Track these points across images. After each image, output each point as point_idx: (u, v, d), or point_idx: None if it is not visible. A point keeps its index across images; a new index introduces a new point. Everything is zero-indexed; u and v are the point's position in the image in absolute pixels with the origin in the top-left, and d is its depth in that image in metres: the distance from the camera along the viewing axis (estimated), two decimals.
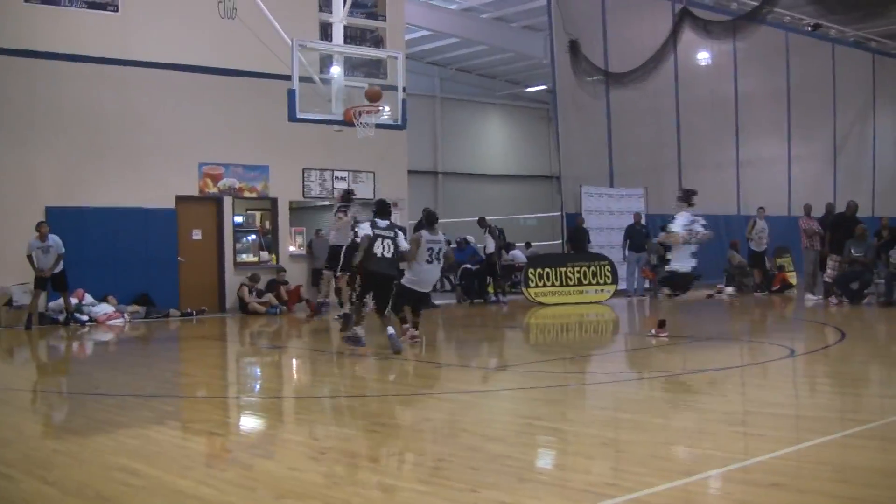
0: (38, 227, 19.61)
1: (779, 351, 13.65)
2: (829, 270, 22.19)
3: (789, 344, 14.48)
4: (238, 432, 8.95)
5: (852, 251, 21.58)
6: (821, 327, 17.63)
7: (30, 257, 19.41)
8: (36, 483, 6.62)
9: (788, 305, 23.56)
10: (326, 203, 26.42)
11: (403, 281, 14.75)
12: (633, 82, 29.08)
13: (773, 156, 34.98)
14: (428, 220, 15.03)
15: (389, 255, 13.98)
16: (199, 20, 22.69)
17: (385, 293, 14.28)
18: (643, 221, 26.46)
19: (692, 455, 7.18)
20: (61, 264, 19.65)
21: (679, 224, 14.87)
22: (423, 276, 14.69)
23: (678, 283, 15.28)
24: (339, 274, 17.99)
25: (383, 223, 14.12)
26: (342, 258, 17.28)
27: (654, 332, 15.25)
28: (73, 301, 20.60)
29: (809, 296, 22.93)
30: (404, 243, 14.41)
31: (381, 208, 14.37)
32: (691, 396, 10.15)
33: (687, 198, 15.33)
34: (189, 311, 22.19)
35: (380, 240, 13.89)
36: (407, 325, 15.08)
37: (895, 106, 41.10)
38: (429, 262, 14.57)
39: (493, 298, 25.65)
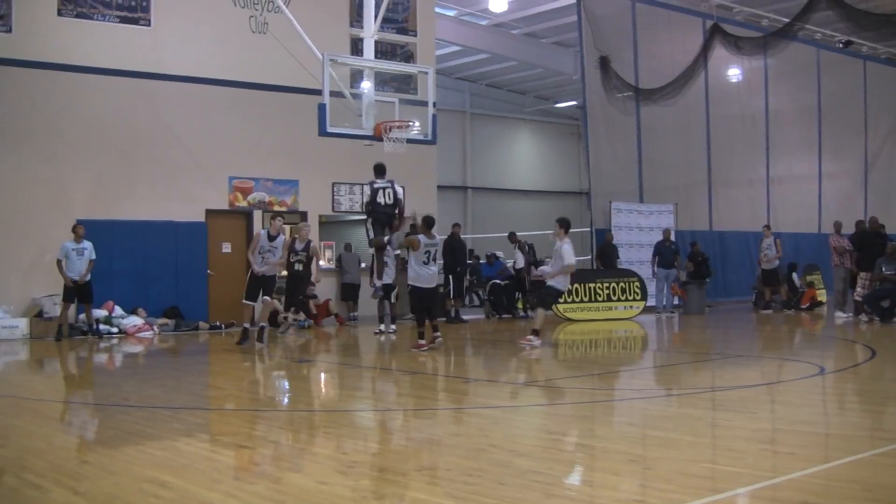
0: (75, 228, 19.78)
1: (808, 368, 13.60)
2: (859, 289, 22.11)
3: (819, 361, 14.42)
4: (266, 445, 8.96)
5: (883, 269, 21.46)
6: (851, 345, 17.54)
7: (59, 263, 19.52)
8: (66, 494, 6.65)
9: (818, 323, 23.44)
10: (356, 217, 26.50)
11: (409, 282, 16.71)
12: (664, 98, 29.09)
13: (803, 173, 34.84)
14: (427, 225, 16.69)
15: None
16: (231, 35, 22.89)
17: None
18: (672, 238, 26.37)
19: (720, 472, 7.15)
20: (90, 274, 19.78)
21: (571, 255, 16.86)
22: (422, 274, 16.41)
23: (552, 299, 18.07)
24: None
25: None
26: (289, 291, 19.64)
27: (529, 339, 17.02)
28: (103, 313, 20.77)
29: (839, 313, 22.83)
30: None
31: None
32: (720, 414, 10.11)
33: (565, 226, 17.22)
34: (218, 324, 22.27)
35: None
36: (423, 342, 16.50)
37: None
38: (426, 262, 16.42)
39: (521, 314, 25.64)
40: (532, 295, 25.85)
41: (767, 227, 27.31)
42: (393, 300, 20.80)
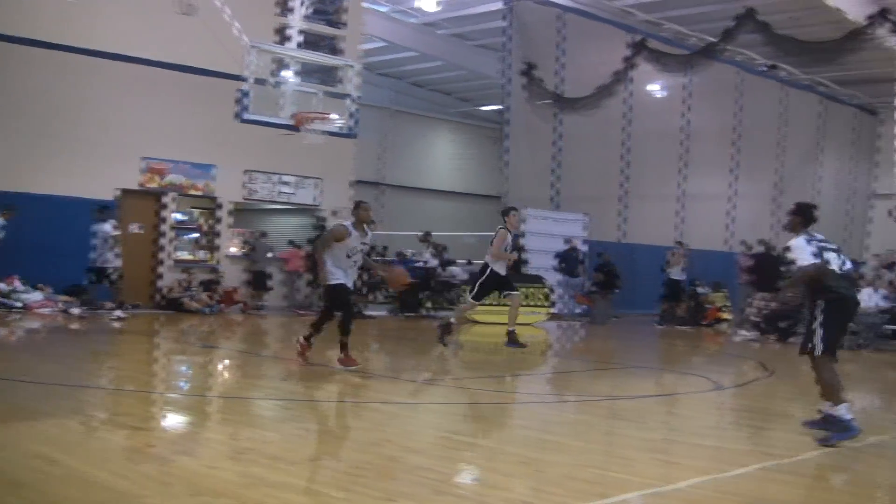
0: None
1: (704, 383, 13.82)
2: (753, 309, 22.50)
3: (715, 377, 14.65)
4: (160, 428, 8.93)
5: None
6: (749, 363, 17.81)
7: None
8: None
9: (719, 339, 23.79)
10: (269, 206, 26.38)
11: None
12: (585, 108, 29.32)
13: (716, 192, 35.32)
14: None
15: None
16: (156, 14, 22.55)
17: None
18: (579, 247, 26.65)
19: (609, 478, 7.26)
20: None
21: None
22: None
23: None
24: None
25: None
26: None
27: None
28: (4, 287, 20.44)
29: (741, 331, 23.16)
30: None
31: None
32: (613, 422, 10.26)
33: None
34: (123, 304, 22.02)
35: None
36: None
37: (840, 151, 41.73)
38: None
39: (428, 313, 25.66)
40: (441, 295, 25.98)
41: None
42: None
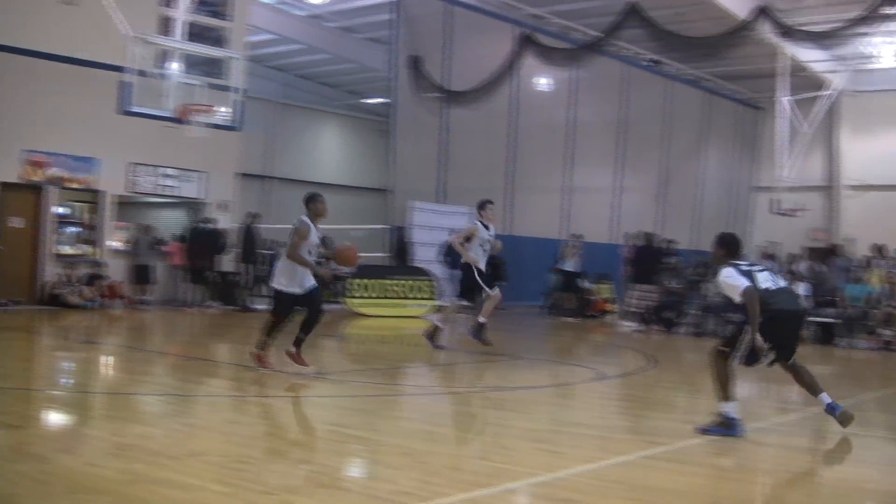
0: None
1: (589, 373, 14.00)
2: (633, 300, 22.87)
3: (600, 367, 14.85)
4: (39, 426, 8.77)
5: (673, 283, 22.24)
6: (633, 353, 18.07)
7: None
8: None
9: (604, 331, 24.07)
10: (154, 200, 26.00)
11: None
12: (472, 102, 29.41)
13: (602, 184, 35.68)
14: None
15: None
16: (37, 3, 22.08)
17: None
18: None
19: (491, 468, 7.33)
20: None
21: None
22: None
23: None
24: None
25: None
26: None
27: None
28: None
29: (625, 322, 23.49)
30: None
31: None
32: (497, 412, 10.33)
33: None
34: (2, 300, 21.57)
35: None
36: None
37: (723, 145, 42.44)
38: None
39: None
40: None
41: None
42: None
